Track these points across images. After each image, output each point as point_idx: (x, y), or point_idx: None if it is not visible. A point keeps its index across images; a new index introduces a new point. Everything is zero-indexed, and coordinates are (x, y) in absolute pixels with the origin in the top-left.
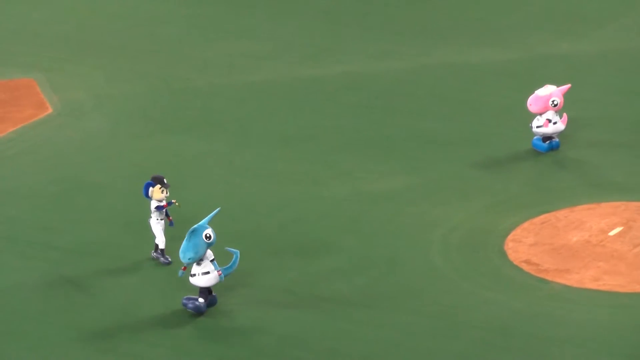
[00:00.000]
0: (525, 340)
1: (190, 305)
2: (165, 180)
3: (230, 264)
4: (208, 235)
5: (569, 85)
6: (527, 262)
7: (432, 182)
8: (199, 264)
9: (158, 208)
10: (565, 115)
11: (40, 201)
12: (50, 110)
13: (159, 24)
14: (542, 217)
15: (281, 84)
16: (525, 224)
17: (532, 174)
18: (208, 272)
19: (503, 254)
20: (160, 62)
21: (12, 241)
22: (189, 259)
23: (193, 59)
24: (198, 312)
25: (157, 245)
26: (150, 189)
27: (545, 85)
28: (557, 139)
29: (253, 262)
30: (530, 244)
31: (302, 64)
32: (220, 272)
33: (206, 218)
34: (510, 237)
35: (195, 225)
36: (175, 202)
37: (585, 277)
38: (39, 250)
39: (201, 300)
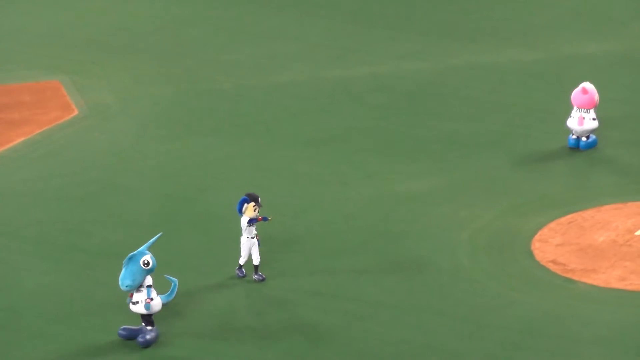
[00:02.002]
0: (552, 340)
1: (140, 340)
2: (259, 200)
3: (169, 292)
4: (146, 261)
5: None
6: (554, 262)
7: (458, 183)
8: (139, 290)
9: (250, 222)
10: (580, 116)
11: (67, 203)
12: (76, 113)
13: (185, 26)
14: (569, 217)
15: (307, 86)
16: (552, 224)
17: (558, 174)
18: (152, 299)
19: (530, 255)
20: (186, 64)
21: (39, 243)
22: (127, 286)
23: (219, 61)
24: (148, 345)
25: (254, 265)
26: (245, 204)
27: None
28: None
29: (280, 264)
30: (557, 244)
31: (329, 65)
32: (149, 300)
33: (146, 244)
34: (536, 237)
35: (133, 252)
36: (270, 219)
37: (612, 277)
38: (66, 253)
39: (149, 328)
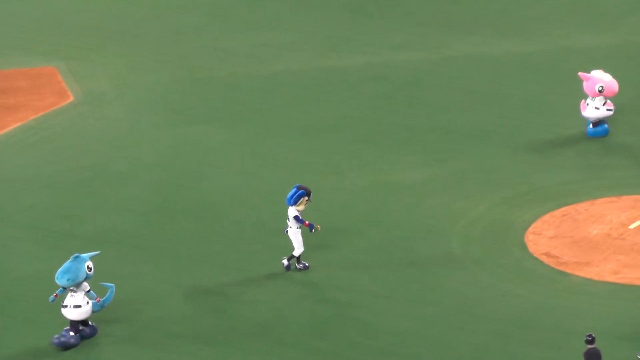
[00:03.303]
0: (544, 332)
1: (55, 340)
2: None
3: (106, 297)
4: (89, 266)
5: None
6: (547, 254)
7: (453, 174)
8: (72, 294)
9: (297, 219)
10: (583, 101)
11: (61, 189)
12: (71, 99)
13: (182, 13)
14: (563, 209)
15: (303, 75)
16: (546, 217)
17: (553, 167)
18: (80, 306)
19: (523, 247)
20: (182, 51)
21: (33, 229)
22: (67, 280)
23: (215, 49)
24: (65, 347)
25: (292, 255)
26: (302, 197)
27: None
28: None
29: (272, 252)
30: (551, 237)
31: (324, 54)
32: (98, 299)
33: (88, 254)
34: (530, 229)
35: (79, 254)
36: (319, 227)
37: (605, 270)
38: (60, 239)
39: (72, 333)
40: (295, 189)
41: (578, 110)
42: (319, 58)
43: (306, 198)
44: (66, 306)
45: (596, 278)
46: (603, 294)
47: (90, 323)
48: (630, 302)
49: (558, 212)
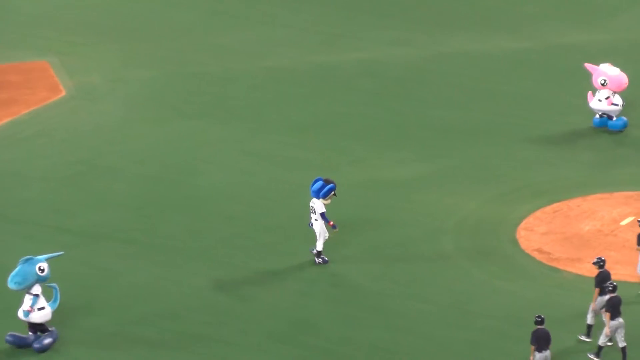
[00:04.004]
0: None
1: (8, 338)
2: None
3: (54, 299)
4: (42, 268)
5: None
6: (539, 250)
7: (445, 170)
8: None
9: (323, 216)
10: (589, 92)
11: (53, 184)
12: (63, 93)
13: (175, 9)
14: (555, 205)
15: (296, 71)
16: (538, 213)
17: (544, 163)
18: (43, 308)
19: (515, 243)
20: (175, 47)
21: (24, 223)
22: (15, 283)
23: (208, 45)
24: (45, 349)
25: (319, 248)
26: (332, 192)
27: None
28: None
29: (265, 248)
30: (542, 233)
31: (317, 50)
32: (30, 309)
33: (46, 256)
34: (522, 225)
35: (31, 256)
36: (336, 230)
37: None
38: (51, 233)
39: (30, 334)
40: (321, 182)
41: (570, 107)
42: (312, 54)
43: (333, 193)
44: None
45: (587, 274)
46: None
47: (50, 328)
48: (623, 297)
49: (550, 209)
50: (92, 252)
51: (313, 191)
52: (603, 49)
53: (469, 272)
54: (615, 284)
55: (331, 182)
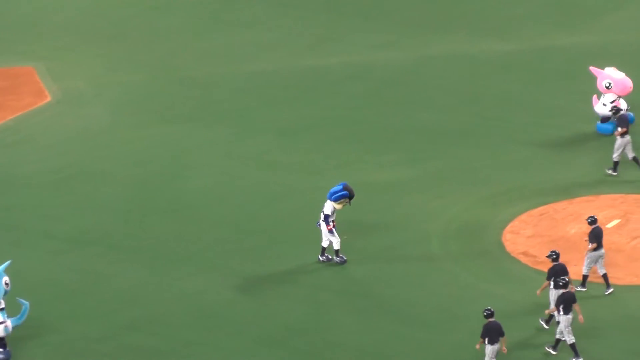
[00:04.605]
0: (522, 331)
1: None
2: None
3: (20, 315)
4: (7, 282)
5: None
6: (525, 254)
7: (431, 174)
8: None
9: (326, 219)
10: (594, 96)
11: (39, 189)
12: (49, 99)
13: (160, 13)
14: (541, 208)
15: (281, 74)
16: (524, 216)
17: (530, 166)
18: (3, 322)
19: (501, 246)
20: (160, 51)
21: (11, 229)
22: None
23: (193, 49)
24: None
25: (325, 248)
26: (343, 199)
27: (608, 68)
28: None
29: (250, 252)
30: (528, 236)
31: (303, 54)
32: (7, 322)
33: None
34: (508, 228)
35: None
36: (345, 237)
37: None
38: (38, 239)
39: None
40: (341, 187)
41: (557, 109)
42: (297, 58)
43: (347, 200)
44: None
45: (574, 277)
46: (581, 293)
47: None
48: (608, 300)
49: (536, 211)
50: (79, 257)
51: (329, 192)
52: (589, 51)
53: (456, 275)
54: (567, 279)
55: (348, 190)
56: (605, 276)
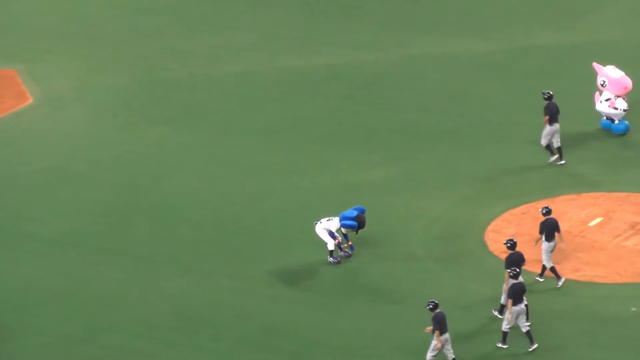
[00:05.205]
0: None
1: None
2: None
3: None
4: None
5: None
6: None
7: (413, 173)
8: None
9: (332, 235)
10: (596, 93)
11: (21, 192)
12: (31, 101)
13: (141, 15)
14: (523, 207)
15: (262, 75)
16: (506, 215)
17: (512, 165)
18: None
19: (483, 245)
20: (141, 53)
21: None
22: None
23: (174, 51)
24: None
25: (330, 250)
26: (352, 229)
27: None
28: (616, 121)
29: (233, 253)
30: (511, 235)
31: (284, 55)
32: None
33: None
34: (490, 227)
35: None
36: (345, 245)
37: (565, 267)
38: (20, 241)
39: None
40: (354, 215)
41: (538, 108)
42: (278, 59)
43: (355, 231)
44: None
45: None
46: (563, 291)
47: None
48: (591, 299)
49: (518, 210)
50: (61, 259)
51: (342, 214)
52: (570, 51)
53: (438, 274)
54: (518, 270)
55: (359, 222)
56: (553, 269)
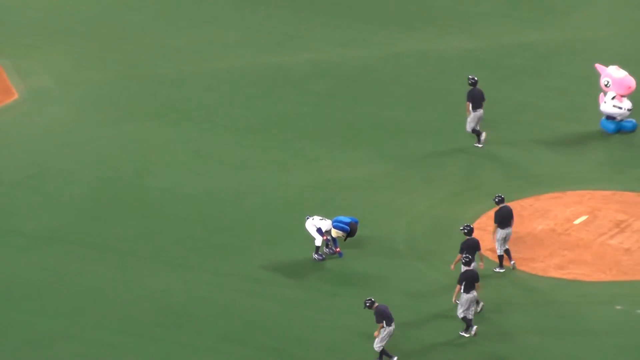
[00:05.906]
0: (490, 327)
1: None
2: (348, 238)
3: None
4: None
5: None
6: (492, 250)
7: (397, 170)
8: None
9: (320, 232)
10: (600, 94)
11: (5, 187)
12: (16, 96)
13: (127, 11)
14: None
15: (248, 72)
16: (491, 212)
17: (497, 162)
18: None
19: None
20: (127, 49)
21: None
22: None
23: (160, 47)
24: None
25: (316, 246)
26: (343, 232)
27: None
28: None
29: (217, 249)
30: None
31: (269, 51)
32: None
33: None
34: (475, 225)
35: None
36: (337, 251)
37: (550, 265)
38: (4, 236)
39: None
40: (347, 222)
41: (524, 106)
42: (264, 55)
43: (344, 235)
44: None
45: (541, 274)
46: (548, 289)
47: None
48: (576, 297)
49: None
50: (45, 254)
51: (335, 218)
52: (556, 48)
53: (422, 272)
54: (470, 257)
55: (351, 230)
56: (507, 251)
